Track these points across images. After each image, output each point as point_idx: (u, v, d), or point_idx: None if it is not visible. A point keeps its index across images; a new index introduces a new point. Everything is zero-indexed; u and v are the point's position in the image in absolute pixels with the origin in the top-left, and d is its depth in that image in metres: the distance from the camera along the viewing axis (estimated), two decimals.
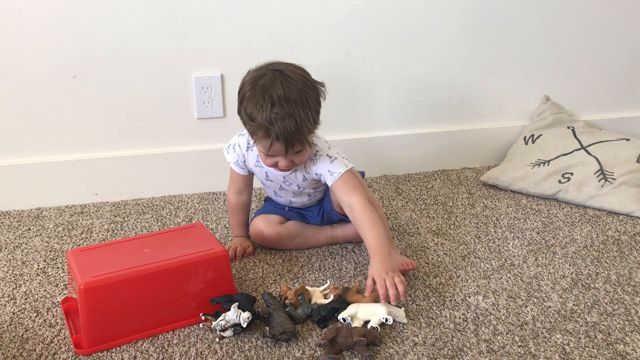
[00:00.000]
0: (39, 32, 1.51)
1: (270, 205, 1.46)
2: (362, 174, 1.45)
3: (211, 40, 1.62)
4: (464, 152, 1.94)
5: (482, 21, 1.79)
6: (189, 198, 1.70)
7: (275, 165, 1.26)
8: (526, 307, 1.20)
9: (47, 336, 1.11)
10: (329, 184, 1.28)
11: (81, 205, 1.65)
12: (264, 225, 1.38)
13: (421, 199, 1.71)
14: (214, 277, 1.16)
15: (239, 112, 1.24)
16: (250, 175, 1.41)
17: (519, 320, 1.16)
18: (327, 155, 1.29)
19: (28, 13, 1.49)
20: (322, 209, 1.43)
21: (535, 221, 1.58)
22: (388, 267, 1.16)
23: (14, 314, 1.17)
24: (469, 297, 1.23)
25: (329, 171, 1.28)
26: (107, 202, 1.67)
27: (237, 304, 1.10)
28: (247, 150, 1.35)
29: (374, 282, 1.14)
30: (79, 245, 1.44)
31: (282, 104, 1.16)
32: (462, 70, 1.84)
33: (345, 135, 1.80)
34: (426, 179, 1.86)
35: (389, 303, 1.14)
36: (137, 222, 1.56)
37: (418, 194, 1.75)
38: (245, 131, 1.31)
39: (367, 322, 1.12)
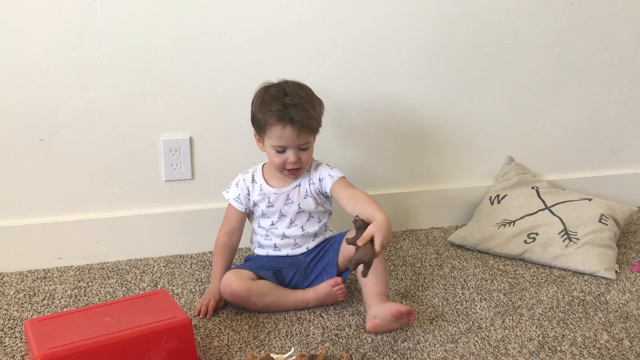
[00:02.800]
0: (6, 96, 1.51)
1: (246, 264, 1.47)
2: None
3: (180, 103, 1.63)
4: (432, 212, 1.96)
5: (445, 83, 1.85)
6: (155, 261, 1.67)
7: (284, 164, 1.39)
8: None
9: None
10: (330, 184, 1.42)
11: (44, 270, 1.61)
12: (234, 278, 1.36)
13: (389, 260, 1.72)
14: (177, 346, 1.13)
15: (253, 116, 1.42)
16: (245, 215, 1.51)
17: None
18: (327, 164, 1.47)
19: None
20: (320, 252, 1.49)
21: (502, 282, 1.59)
22: (389, 236, 1.22)
23: None
24: None
25: (329, 175, 1.43)
26: (72, 267, 1.63)
27: None
28: (252, 182, 1.49)
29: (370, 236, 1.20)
30: (40, 312, 1.40)
31: (294, 95, 1.37)
32: (427, 132, 1.88)
33: None
34: (395, 239, 1.87)
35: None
36: (101, 287, 1.53)
37: (387, 254, 1.76)
38: (249, 169, 1.51)
39: None
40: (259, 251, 1.51)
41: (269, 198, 1.46)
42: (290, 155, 1.38)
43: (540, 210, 1.80)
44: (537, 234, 1.73)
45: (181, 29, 1.58)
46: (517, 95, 1.93)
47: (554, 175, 2.04)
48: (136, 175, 1.66)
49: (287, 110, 1.34)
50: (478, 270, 1.66)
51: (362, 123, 1.80)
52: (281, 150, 1.39)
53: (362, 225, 1.23)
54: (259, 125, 1.41)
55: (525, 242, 1.72)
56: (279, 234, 1.48)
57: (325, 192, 1.45)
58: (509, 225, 1.77)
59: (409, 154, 1.89)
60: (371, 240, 1.20)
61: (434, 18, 1.77)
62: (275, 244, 1.49)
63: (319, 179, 1.45)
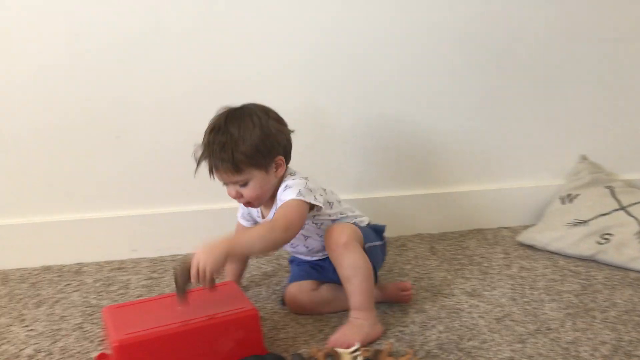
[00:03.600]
0: (86, 95, 1.59)
1: (296, 268, 1.46)
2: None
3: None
4: (501, 211, 1.92)
5: (516, 79, 1.81)
6: None
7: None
8: None
9: None
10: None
11: (119, 261, 1.69)
12: (298, 292, 1.39)
13: (456, 259, 1.70)
14: (244, 336, 1.16)
15: None
16: None
17: None
18: (286, 184, 1.29)
19: (76, 80, 1.58)
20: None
21: (573, 283, 1.54)
22: (213, 252, 1.13)
23: None
24: None
25: (281, 200, 1.27)
26: (145, 258, 1.71)
27: None
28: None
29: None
30: (116, 300, 1.47)
31: (219, 129, 1.25)
32: (497, 129, 1.84)
33: (377, 194, 1.81)
34: (462, 238, 1.84)
35: None
36: (173, 278, 1.58)
37: (453, 253, 1.74)
38: None
39: None
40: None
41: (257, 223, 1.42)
42: (229, 191, 1.30)
43: (615, 210, 1.73)
44: (611, 234, 1.66)
45: None
46: (592, 91, 1.86)
47: (630, 175, 1.96)
48: (207, 172, 1.71)
49: (205, 149, 1.26)
50: (548, 270, 1.62)
51: (429, 118, 1.79)
52: (218, 179, 1.30)
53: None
54: None
55: (598, 242, 1.66)
56: (289, 250, 1.45)
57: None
58: (581, 226, 1.72)
59: (477, 151, 1.86)
60: None
61: None
62: (296, 253, 1.46)
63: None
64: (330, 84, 1.71)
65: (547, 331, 1.32)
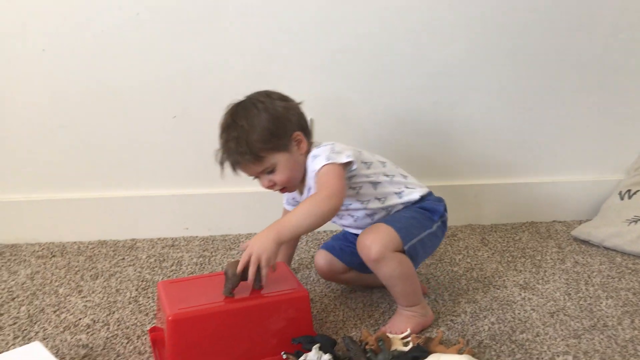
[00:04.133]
0: (145, 78, 1.62)
1: (334, 243, 1.43)
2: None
3: (303, 86, 1.67)
4: (555, 205, 1.88)
5: (574, 70, 1.76)
6: None
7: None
8: None
9: None
10: (314, 180, 1.23)
11: (172, 239, 1.72)
12: (325, 265, 1.39)
13: (508, 251, 1.67)
14: (294, 316, 1.17)
15: None
16: None
17: None
18: (312, 154, 1.26)
19: (136, 61, 1.61)
20: None
21: (631, 281, 1.49)
22: (264, 244, 1.12)
23: (107, 339, 1.23)
24: (558, 356, 1.18)
25: (312, 171, 1.24)
26: (197, 237, 1.73)
27: (318, 345, 1.11)
28: None
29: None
30: (168, 276, 1.50)
31: (228, 128, 1.24)
32: (555, 121, 1.80)
33: (428, 182, 1.78)
34: (514, 231, 1.81)
35: None
36: (224, 257, 1.61)
37: (505, 245, 1.71)
38: None
39: None
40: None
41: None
42: (261, 183, 1.28)
43: None
44: None
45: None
46: None
47: None
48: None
49: (220, 151, 1.26)
50: (604, 267, 1.57)
51: (485, 108, 1.76)
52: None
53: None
54: None
55: None
56: (338, 224, 1.41)
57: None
58: None
59: (531, 143, 1.82)
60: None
61: None
62: (345, 227, 1.42)
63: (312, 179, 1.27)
64: (356, 76, 1.70)
65: (604, 328, 1.28)
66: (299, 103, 1.30)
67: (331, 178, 1.20)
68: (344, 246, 1.40)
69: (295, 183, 1.29)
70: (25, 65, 1.58)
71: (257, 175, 1.27)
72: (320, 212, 1.15)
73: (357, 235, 1.29)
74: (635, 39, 1.74)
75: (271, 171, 1.25)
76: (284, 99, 1.29)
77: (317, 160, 1.23)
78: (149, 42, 1.60)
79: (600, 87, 1.78)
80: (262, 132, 1.22)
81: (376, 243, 1.19)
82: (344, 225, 1.40)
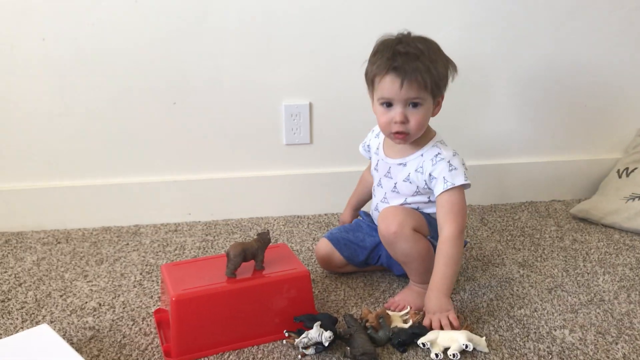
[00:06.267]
0: (145, 65, 1.63)
1: (338, 232, 1.44)
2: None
3: (300, 70, 1.69)
4: (554, 184, 1.89)
5: (575, 46, 1.76)
6: (275, 220, 1.76)
7: (389, 125, 1.23)
8: (617, 344, 1.15)
9: (142, 343, 1.18)
10: (438, 192, 1.23)
11: (175, 224, 1.74)
12: (325, 255, 1.42)
13: (507, 230, 1.69)
14: (296, 295, 1.19)
15: (366, 70, 1.27)
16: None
17: (608, 357, 1.11)
18: (449, 162, 1.24)
19: (136, 48, 1.62)
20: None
21: (628, 257, 1.51)
22: (443, 304, 1.18)
23: (113, 321, 1.26)
24: (555, 330, 1.20)
25: (444, 178, 1.23)
26: (200, 222, 1.76)
27: (319, 323, 1.13)
28: (375, 136, 1.40)
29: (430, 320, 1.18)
30: (172, 260, 1.52)
31: (408, 44, 1.20)
32: (552, 99, 1.81)
33: None
34: (513, 210, 1.83)
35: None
36: (227, 240, 1.63)
37: (504, 225, 1.72)
38: (375, 127, 1.40)
39: (447, 348, 1.12)
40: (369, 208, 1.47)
41: (378, 160, 1.37)
42: (396, 113, 1.21)
43: None
44: None
45: None
46: None
47: None
48: (259, 138, 1.74)
49: (395, 57, 1.19)
50: (602, 244, 1.59)
51: (480, 85, 1.77)
52: (387, 104, 1.23)
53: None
54: (368, 79, 1.27)
55: None
56: (375, 201, 1.40)
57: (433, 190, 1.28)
58: (638, 200, 1.67)
59: (531, 122, 1.83)
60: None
61: None
62: (375, 206, 1.40)
63: (429, 174, 1.26)
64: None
65: (600, 302, 1.30)
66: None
67: (463, 207, 1.24)
68: (348, 242, 1.41)
69: (417, 136, 1.27)
70: (25, 54, 1.59)
71: (397, 102, 1.21)
72: (460, 252, 1.23)
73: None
74: (631, 20, 1.75)
75: (415, 105, 1.22)
76: (452, 66, 1.27)
77: (454, 173, 1.23)
78: (148, 29, 1.61)
79: (596, 64, 1.79)
80: (440, 68, 1.21)
81: (398, 217, 1.24)
82: (376, 205, 1.39)
